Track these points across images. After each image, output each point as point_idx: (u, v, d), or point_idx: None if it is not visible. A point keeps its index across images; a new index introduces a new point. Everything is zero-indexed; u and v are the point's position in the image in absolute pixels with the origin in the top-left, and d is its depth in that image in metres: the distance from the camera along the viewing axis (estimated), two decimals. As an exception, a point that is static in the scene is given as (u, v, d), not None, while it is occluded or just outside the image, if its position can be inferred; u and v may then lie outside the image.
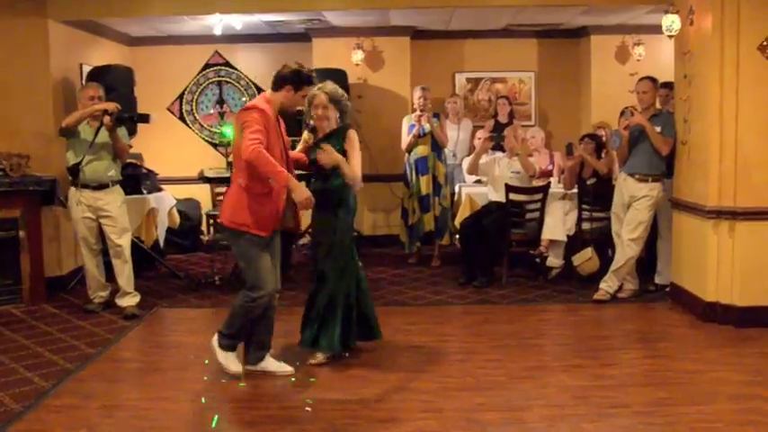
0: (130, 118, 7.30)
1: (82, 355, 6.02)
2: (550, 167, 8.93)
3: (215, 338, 5.49)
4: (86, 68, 8.69)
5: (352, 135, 5.78)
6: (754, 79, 6.38)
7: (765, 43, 6.35)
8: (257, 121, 5.04)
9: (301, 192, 5.09)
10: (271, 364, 5.56)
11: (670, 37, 7.11)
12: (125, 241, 7.23)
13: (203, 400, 5.06)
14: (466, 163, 9.19)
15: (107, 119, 6.88)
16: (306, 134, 5.87)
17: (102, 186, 7.10)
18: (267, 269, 5.27)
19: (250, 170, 5.06)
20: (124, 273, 7.20)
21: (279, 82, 5.35)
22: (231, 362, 5.47)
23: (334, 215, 5.77)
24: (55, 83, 8.11)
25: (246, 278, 5.30)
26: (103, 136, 7.01)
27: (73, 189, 7.12)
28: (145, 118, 7.29)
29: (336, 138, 5.74)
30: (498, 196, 8.20)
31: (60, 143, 7.40)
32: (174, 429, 4.63)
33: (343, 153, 5.69)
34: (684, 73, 7.02)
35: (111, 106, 6.94)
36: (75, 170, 7.01)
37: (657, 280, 7.77)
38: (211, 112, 10.97)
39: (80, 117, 6.96)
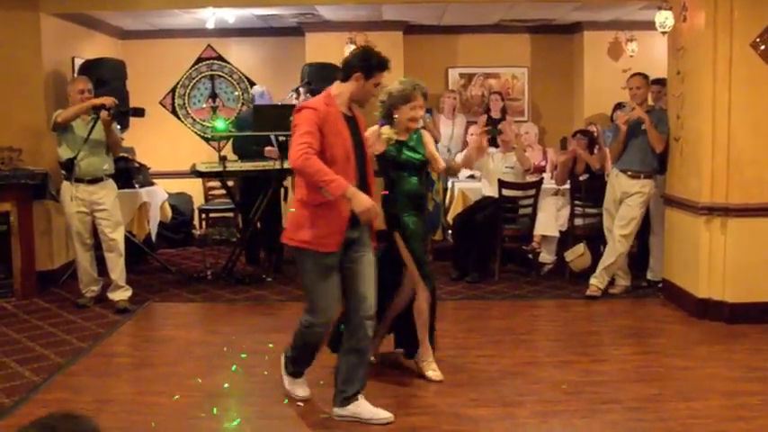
0: (127, 112, 7.28)
1: (73, 349, 6.01)
2: (543, 163, 8.94)
3: (282, 358, 5.00)
4: (78, 62, 8.66)
5: (429, 135, 5.42)
6: (747, 76, 6.39)
7: (758, 40, 6.36)
8: (307, 122, 4.34)
9: (360, 201, 4.26)
10: (365, 409, 4.62)
11: (663, 33, 7.11)
12: (119, 235, 7.22)
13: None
14: (460, 158, 9.17)
15: (104, 114, 6.86)
16: (388, 131, 5.16)
17: (96, 180, 7.08)
18: (328, 294, 4.52)
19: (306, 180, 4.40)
20: (117, 267, 7.18)
21: (347, 70, 4.57)
22: (297, 387, 4.93)
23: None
24: (47, 76, 8.07)
25: (305, 299, 4.68)
26: (98, 130, 6.98)
27: (66, 184, 7.09)
28: (140, 112, 7.28)
29: (417, 139, 5.28)
30: (492, 191, 8.20)
31: (52, 137, 7.37)
32: (165, 424, 4.62)
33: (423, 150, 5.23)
34: (677, 69, 7.02)
35: (109, 101, 6.92)
36: (69, 165, 6.98)
37: (649, 276, 7.79)
38: (204, 106, 10.94)
39: (76, 112, 6.93)
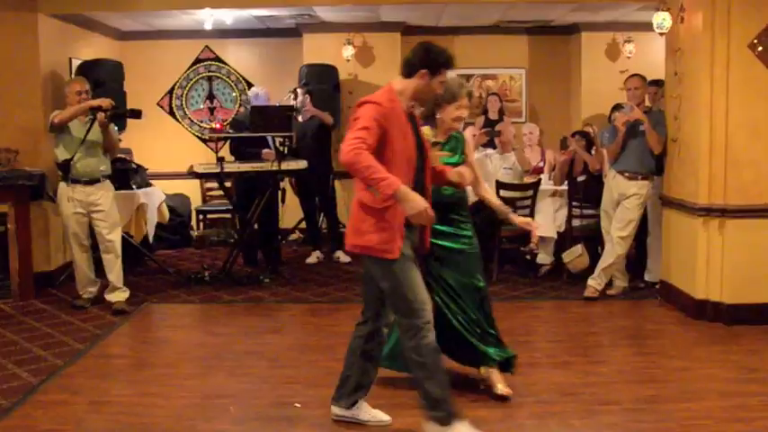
0: (123, 114, 7.27)
1: (70, 350, 5.99)
2: (542, 164, 8.93)
3: (428, 425, 4.28)
4: (76, 62, 8.64)
5: (468, 136, 5.30)
6: (744, 77, 6.39)
7: (755, 41, 6.36)
8: (368, 116, 4.03)
9: (414, 203, 3.87)
10: (364, 411, 4.58)
11: (661, 35, 7.12)
12: (116, 236, 7.21)
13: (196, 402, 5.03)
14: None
15: (101, 115, 6.85)
16: (428, 131, 4.80)
17: (93, 181, 7.07)
18: (420, 289, 4.19)
19: None
20: (115, 268, 7.17)
21: (411, 66, 4.24)
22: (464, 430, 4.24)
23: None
24: (44, 77, 8.06)
25: (396, 310, 4.26)
26: (95, 132, 6.98)
27: (63, 185, 7.08)
28: (137, 114, 7.27)
29: (456, 141, 5.01)
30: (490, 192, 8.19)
31: (49, 138, 7.36)
32: (162, 425, 4.61)
33: (462, 157, 4.99)
34: (675, 71, 7.02)
35: (106, 103, 6.90)
36: (66, 166, 6.97)
37: (647, 277, 7.79)
38: (201, 107, 10.93)
39: (73, 113, 6.92)
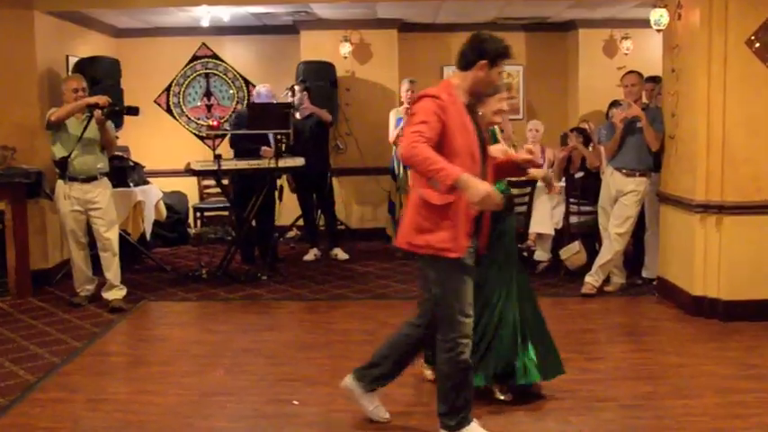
0: (120, 111, 7.26)
1: (68, 348, 5.99)
2: (541, 161, 8.92)
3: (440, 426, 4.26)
4: (73, 60, 8.63)
5: (500, 133, 5.13)
6: (742, 74, 6.39)
7: (753, 38, 6.36)
8: (427, 110, 3.92)
9: (477, 188, 3.70)
10: (371, 399, 4.56)
11: (658, 31, 7.12)
12: (113, 234, 7.20)
13: (193, 399, 5.03)
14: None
15: (98, 113, 6.84)
16: None
17: (90, 179, 7.06)
18: (467, 303, 4.09)
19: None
20: (112, 266, 7.17)
21: (468, 58, 4.08)
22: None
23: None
24: (41, 74, 8.05)
25: (438, 314, 4.16)
26: (92, 129, 6.97)
27: (60, 182, 7.08)
28: (134, 110, 7.25)
29: (493, 134, 4.98)
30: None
31: (46, 135, 7.34)
32: (160, 423, 4.61)
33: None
34: (672, 67, 7.03)
35: (103, 100, 6.89)
36: (63, 163, 6.96)
37: (644, 274, 7.80)
38: (199, 104, 10.92)
39: (70, 110, 6.90)
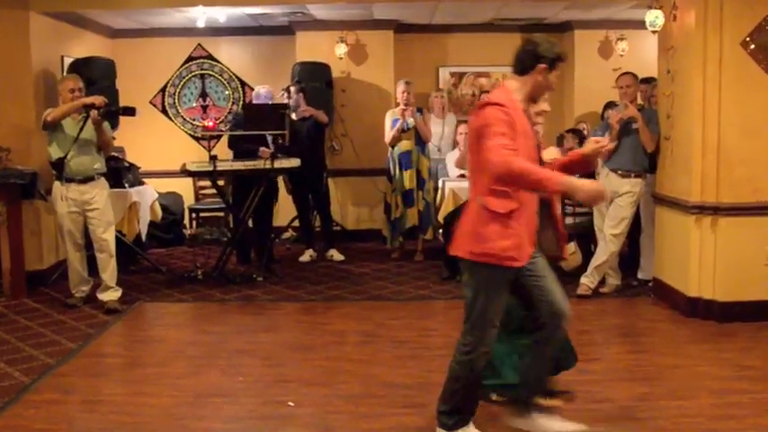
0: (117, 111, 7.24)
1: (63, 349, 5.98)
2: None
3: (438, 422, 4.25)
4: (68, 60, 8.62)
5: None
6: (737, 75, 6.40)
7: (748, 39, 6.37)
8: (499, 120, 3.84)
9: (585, 187, 3.71)
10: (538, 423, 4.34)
11: (653, 32, 7.12)
12: (110, 235, 7.20)
13: (188, 401, 5.03)
14: (451, 157, 9.19)
15: (94, 113, 6.83)
16: None
17: (87, 179, 7.05)
18: (497, 316, 4.08)
19: (497, 185, 3.87)
20: (109, 267, 7.15)
21: (527, 62, 4.05)
22: None
23: None
24: (36, 75, 8.03)
25: (470, 321, 4.11)
26: (88, 129, 6.95)
27: (57, 184, 7.06)
28: (131, 111, 7.23)
29: None
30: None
31: (41, 136, 7.34)
32: (155, 424, 4.60)
33: None
34: (668, 68, 7.03)
35: (99, 100, 6.88)
36: (59, 164, 6.94)
37: (640, 275, 7.80)
38: (194, 105, 10.91)
39: (66, 111, 6.89)
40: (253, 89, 10.03)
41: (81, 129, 6.91)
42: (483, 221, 3.96)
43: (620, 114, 7.26)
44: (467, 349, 4.08)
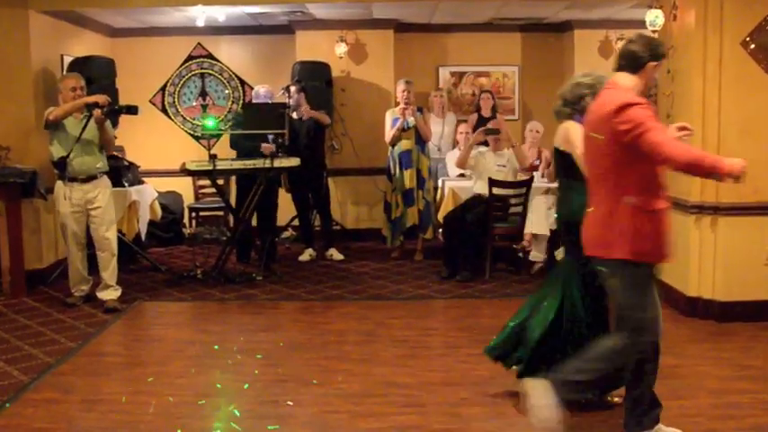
0: (120, 110, 7.23)
1: (62, 348, 5.98)
2: (537, 162, 8.91)
3: (541, 382, 4.11)
4: (68, 59, 8.61)
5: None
6: (737, 75, 6.40)
7: (748, 39, 6.37)
8: (649, 117, 3.86)
9: (733, 164, 3.87)
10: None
11: (654, 32, 7.11)
12: (113, 234, 7.20)
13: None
14: (451, 157, 9.18)
15: (98, 112, 6.83)
16: None
17: (90, 178, 7.04)
18: (656, 305, 4.12)
19: (643, 183, 3.97)
20: (110, 266, 7.15)
21: (641, 60, 4.07)
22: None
23: None
24: (35, 74, 8.03)
25: (629, 319, 4.09)
26: (91, 129, 6.95)
27: (60, 183, 7.04)
28: (134, 110, 7.21)
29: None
30: (485, 189, 8.17)
31: (41, 135, 7.33)
32: (154, 423, 4.60)
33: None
34: (668, 68, 7.02)
35: (102, 99, 6.88)
36: (62, 164, 6.92)
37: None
38: (194, 104, 10.91)
39: (69, 109, 6.88)
40: (252, 88, 10.03)
41: (84, 128, 6.90)
42: (642, 221, 3.98)
43: None
44: (627, 343, 4.08)
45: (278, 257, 8.97)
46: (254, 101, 9.01)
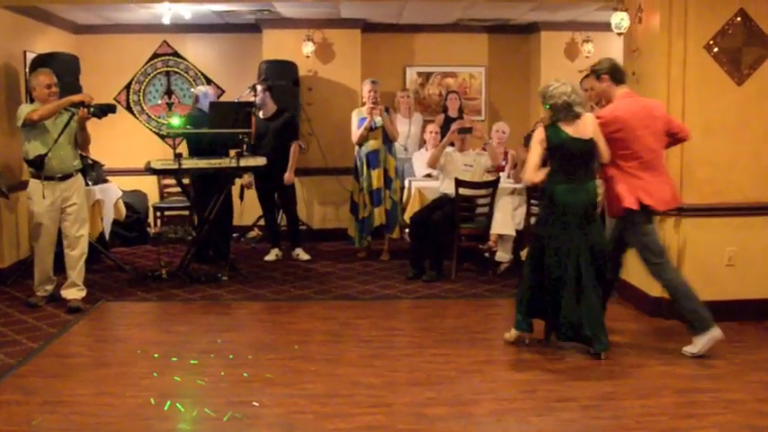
0: (106, 109, 7.12)
1: (24, 349, 5.89)
2: (504, 163, 8.96)
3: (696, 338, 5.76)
4: (30, 56, 8.50)
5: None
6: (701, 78, 6.48)
7: (711, 43, 6.45)
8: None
9: None
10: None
11: (619, 34, 7.19)
12: (85, 232, 7.15)
13: (152, 400, 4.98)
14: (418, 157, 9.20)
15: (84, 111, 6.76)
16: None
17: (67, 177, 6.97)
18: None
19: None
20: (78, 265, 7.08)
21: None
22: (710, 334, 5.67)
23: None
24: (-3, 70, 7.92)
25: (649, 258, 5.87)
26: (71, 126, 6.87)
27: (36, 181, 6.92)
28: (113, 108, 7.16)
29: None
30: (451, 189, 8.19)
31: (2, 132, 7.23)
32: (117, 425, 4.55)
33: None
34: (633, 70, 7.08)
35: (88, 98, 6.83)
36: (39, 162, 6.82)
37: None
38: (159, 102, 10.82)
39: (55, 108, 6.78)
40: (219, 87, 9.99)
41: (65, 126, 6.82)
42: (630, 181, 5.78)
43: None
44: (658, 274, 5.92)
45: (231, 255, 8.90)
46: (202, 102, 8.85)
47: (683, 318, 5.81)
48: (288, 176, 8.95)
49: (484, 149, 8.48)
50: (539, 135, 5.77)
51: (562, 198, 5.71)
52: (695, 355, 5.62)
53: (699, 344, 5.65)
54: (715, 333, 5.64)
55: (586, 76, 7.50)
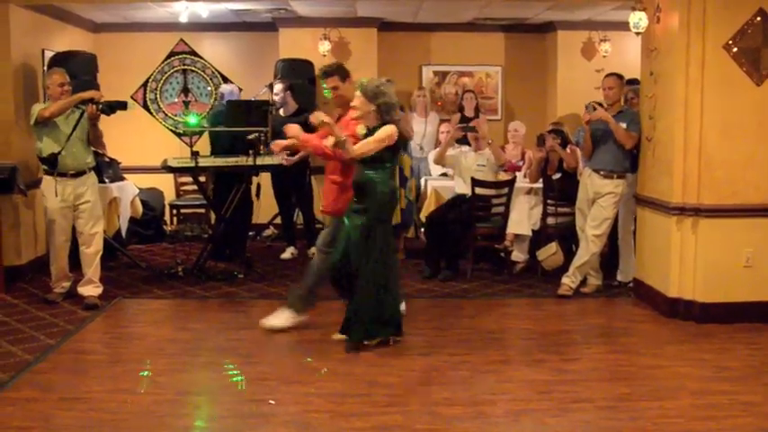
0: (115, 106, 7.16)
1: (41, 346, 5.93)
2: (521, 163, 8.93)
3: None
4: (49, 54, 8.54)
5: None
6: (719, 78, 6.44)
7: (731, 42, 6.41)
8: None
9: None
10: None
11: (637, 34, 7.15)
12: (100, 229, 7.17)
13: (168, 398, 4.99)
14: (434, 156, 9.19)
15: (93, 108, 6.79)
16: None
17: (80, 174, 7.00)
18: None
19: None
20: (94, 262, 7.10)
21: None
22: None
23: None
24: (15, 68, 7.94)
25: None
26: (83, 124, 6.90)
27: (49, 179, 6.95)
28: (123, 105, 7.18)
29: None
30: (466, 189, 8.19)
31: (21, 130, 7.26)
32: (134, 422, 4.57)
33: None
34: (651, 70, 7.06)
35: (98, 95, 6.86)
36: (52, 159, 6.85)
37: (620, 277, 7.78)
38: (176, 100, 10.85)
39: (65, 106, 6.81)
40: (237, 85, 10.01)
41: (77, 123, 6.85)
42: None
43: (588, 115, 7.25)
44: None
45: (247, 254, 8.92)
46: (227, 99, 8.91)
47: (300, 290, 6.41)
48: (278, 143, 8.77)
49: (503, 148, 8.46)
50: None
51: None
52: (271, 327, 6.21)
53: (282, 317, 6.29)
54: (302, 318, 6.36)
55: (607, 76, 7.49)
